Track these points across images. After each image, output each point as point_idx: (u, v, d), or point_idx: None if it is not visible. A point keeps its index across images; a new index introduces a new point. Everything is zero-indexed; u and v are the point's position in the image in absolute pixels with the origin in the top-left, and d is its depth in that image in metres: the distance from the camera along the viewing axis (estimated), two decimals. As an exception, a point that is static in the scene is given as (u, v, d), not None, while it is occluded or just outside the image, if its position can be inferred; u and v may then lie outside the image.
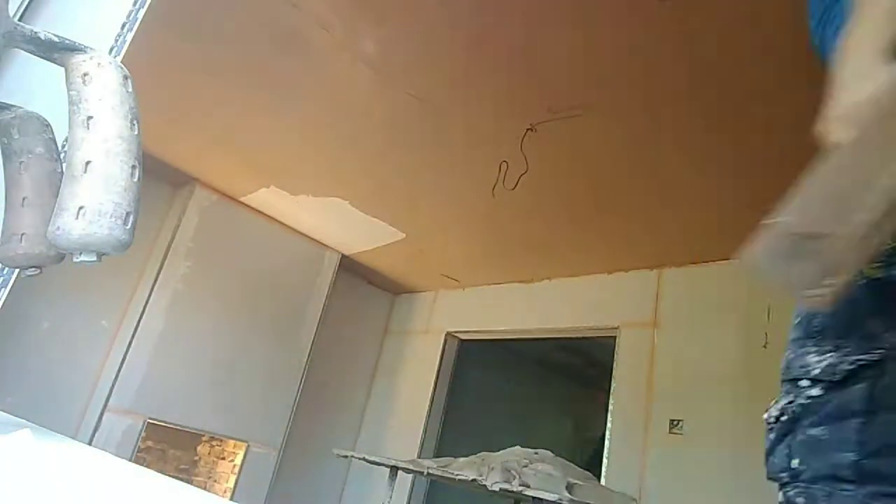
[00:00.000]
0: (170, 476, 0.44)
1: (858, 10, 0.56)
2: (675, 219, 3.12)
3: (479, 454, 2.45)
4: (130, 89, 0.47)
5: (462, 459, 2.54)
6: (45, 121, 0.51)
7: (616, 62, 2.14)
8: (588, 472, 2.32)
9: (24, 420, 0.52)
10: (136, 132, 0.46)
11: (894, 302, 0.57)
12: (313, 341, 4.41)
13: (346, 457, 3.27)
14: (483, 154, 2.85)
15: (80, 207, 0.42)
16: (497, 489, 2.02)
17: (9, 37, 0.45)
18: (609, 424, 3.53)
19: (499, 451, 2.48)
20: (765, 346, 3.07)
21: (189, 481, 3.93)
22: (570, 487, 2.03)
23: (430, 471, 2.35)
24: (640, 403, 3.44)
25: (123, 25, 0.63)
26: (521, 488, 1.97)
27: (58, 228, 0.42)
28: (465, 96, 2.50)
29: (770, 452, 0.62)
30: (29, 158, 0.49)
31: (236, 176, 3.81)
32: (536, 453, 2.27)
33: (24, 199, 0.49)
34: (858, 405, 0.54)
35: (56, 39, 0.46)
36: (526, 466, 2.12)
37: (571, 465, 2.29)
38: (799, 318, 0.66)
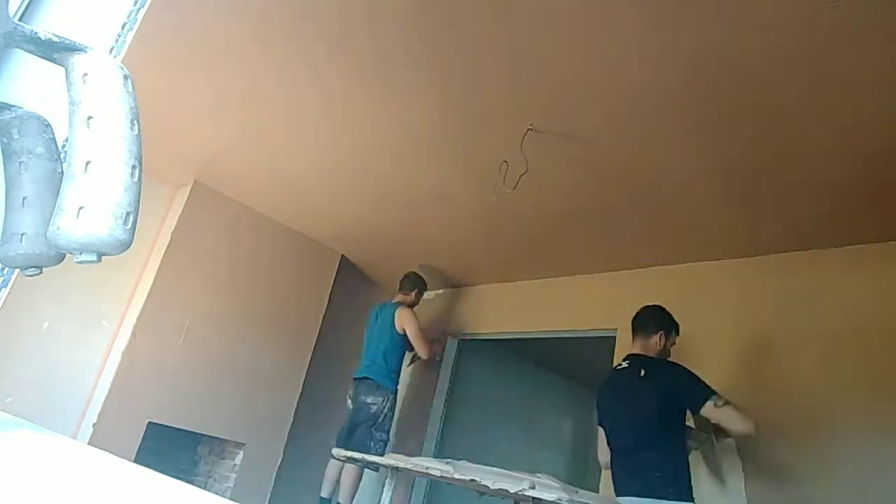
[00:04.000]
0: (170, 476, 0.44)
1: None
2: (675, 219, 3.12)
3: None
4: (130, 89, 0.46)
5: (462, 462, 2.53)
6: (45, 121, 0.51)
7: (619, 63, 2.14)
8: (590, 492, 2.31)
9: (24, 420, 0.52)
10: (136, 132, 0.46)
11: None
12: (315, 341, 4.41)
13: (346, 457, 3.27)
14: (483, 154, 2.86)
15: (80, 207, 0.42)
16: (497, 489, 2.01)
17: (9, 37, 0.45)
18: (609, 424, 3.53)
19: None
20: (764, 346, 3.07)
21: (189, 481, 3.93)
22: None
23: (431, 471, 2.35)
24: (640, 403, 3.44)
25: (123, 25, 0.63)
26: (520, 488, 1.96)
27: (58, 228, 0.42)
28: (464, 96, 2.50)
29: None
30: (29, 158, 0.49)
31: (237, 176, 3.81)
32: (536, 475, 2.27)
33: (24, 199, 0.48)
34: None
35: (56, 39, 0.46)
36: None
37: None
38: None
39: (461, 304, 4.86)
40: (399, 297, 4.13)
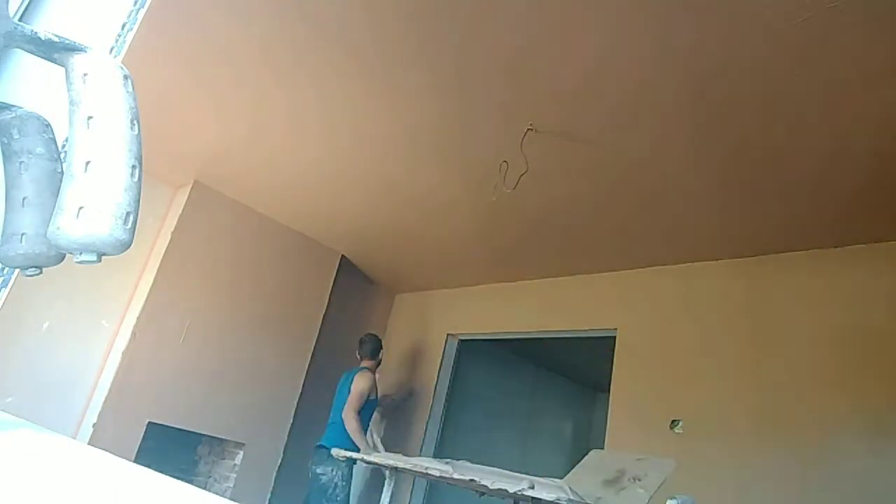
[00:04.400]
0: (170, 476, 0.44)
1: None
2: (675, 218, 3.12)
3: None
4: (130, 89, 0.46)
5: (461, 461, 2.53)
6: (45, 121, 0.51)
7: (619, 63, 2.14)
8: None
9: (24, 420, 0.52)
10: (136, 132, 0.46)
11: None
12: (315, 341, 4.41)
13: (346, 458, 3.27)
14: (483, 154, 2.86)
15: (80, 207, 0.42)
16: (496, 489, 2.02)
17: (9, 37, 0.45)
18: (608, 424, 3.53)
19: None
20: (763, 345, 3.07)
21: (189, 481, 3.93)
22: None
23: (430, 471, 2.35)
24: (640, 403, 3.44)
25: (123, 25, 0.63)
26: (519, 488, 1.97)
27: (58, 228, 0.42)
28: (464, 96, 2.50)
29: None
30: (29, 158, 0.49)
31: (237, 176, 3.81)
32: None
33: (24, 199, 0.48)
34: None
35: (56, 39, 0.46)
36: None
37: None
38: None
39: (462, 304, 4.86)
40: (364, 363, 4.10)
